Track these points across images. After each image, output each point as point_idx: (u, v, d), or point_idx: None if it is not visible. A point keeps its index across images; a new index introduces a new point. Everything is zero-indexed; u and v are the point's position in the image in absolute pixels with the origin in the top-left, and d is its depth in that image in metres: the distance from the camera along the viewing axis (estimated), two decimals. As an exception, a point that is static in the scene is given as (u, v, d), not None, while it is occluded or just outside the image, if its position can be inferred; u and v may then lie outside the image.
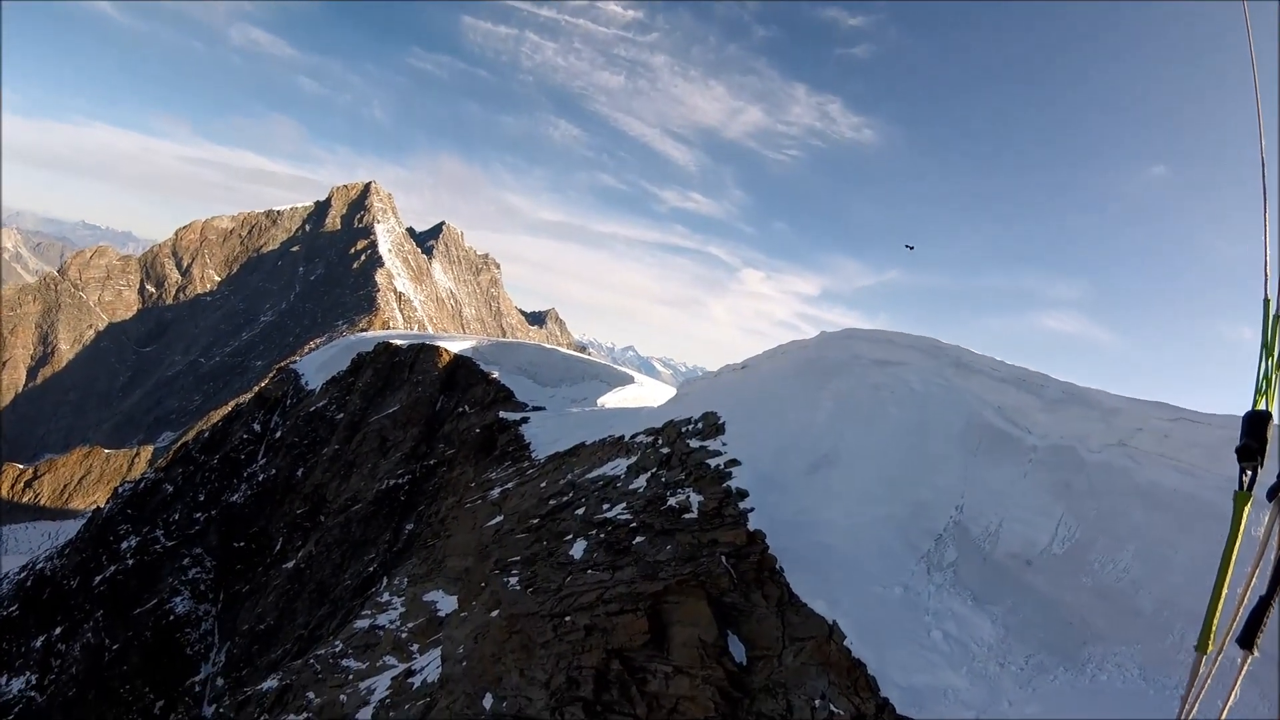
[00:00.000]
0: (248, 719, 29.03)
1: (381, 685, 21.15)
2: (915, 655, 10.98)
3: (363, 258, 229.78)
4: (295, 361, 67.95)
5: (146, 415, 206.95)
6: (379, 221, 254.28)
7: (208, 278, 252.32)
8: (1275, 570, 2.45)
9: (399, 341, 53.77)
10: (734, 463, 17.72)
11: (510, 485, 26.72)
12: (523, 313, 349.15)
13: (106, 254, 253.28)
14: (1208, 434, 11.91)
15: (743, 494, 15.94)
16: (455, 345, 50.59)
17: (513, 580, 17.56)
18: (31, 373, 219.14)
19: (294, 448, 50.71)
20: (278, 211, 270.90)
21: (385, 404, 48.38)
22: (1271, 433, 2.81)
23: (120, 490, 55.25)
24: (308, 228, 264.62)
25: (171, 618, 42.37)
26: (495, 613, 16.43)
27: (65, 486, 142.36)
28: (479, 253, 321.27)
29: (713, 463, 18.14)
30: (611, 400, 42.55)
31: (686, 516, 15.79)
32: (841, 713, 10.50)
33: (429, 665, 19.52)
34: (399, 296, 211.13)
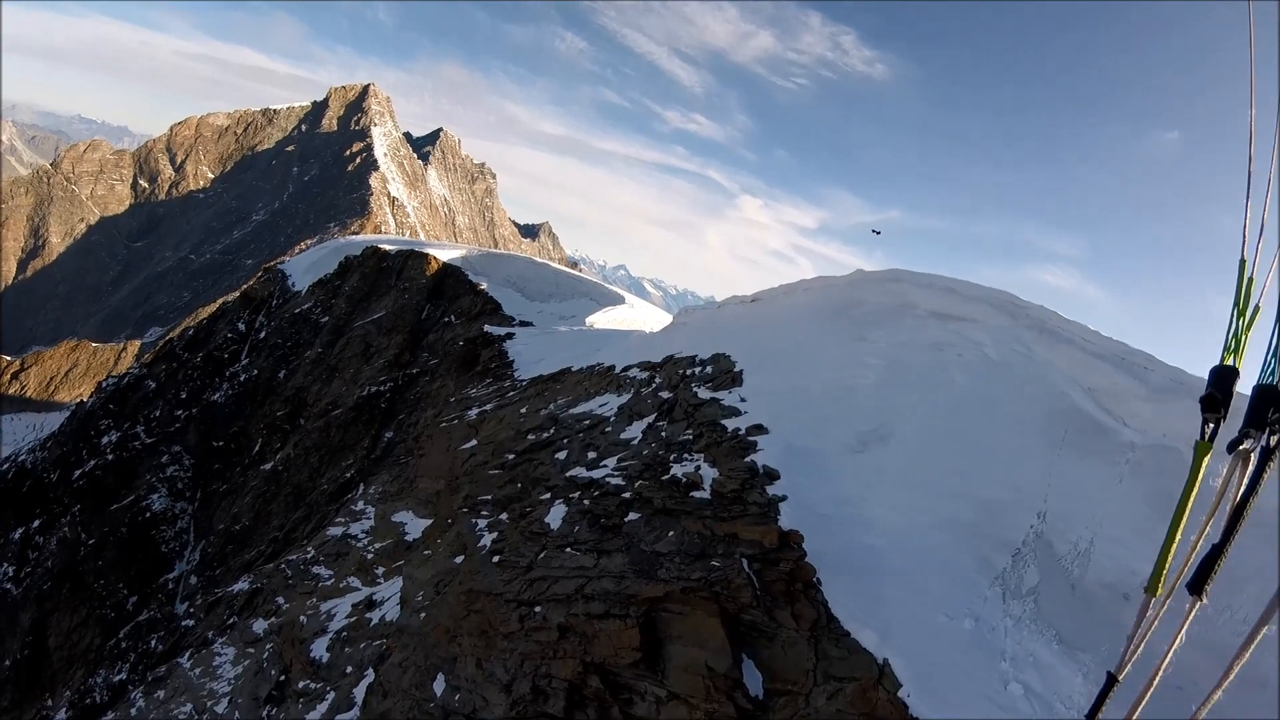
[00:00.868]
0: (217, 619, 29.12)
1: (342, 611, 20.83)
2: (989, 716, 8.26)
3: (358, 160, 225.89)
4: (283, 262, 66.81)
5: (135, 310, 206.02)
6: (376, 125, 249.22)
7: (201, 175, 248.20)
8: (1229, 520, 2.54)
9: (387, 246, 52.69)
10: (758, 429, 14.02)
11: (489, 407, 25.58)
12: (516, 224, 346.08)
13: (100, 148, 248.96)
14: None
15: (771, 475, 12.23)
16: (444, 253, 49.48)
17: (481, 526, 15.98)
18: (21, 265, 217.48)
19: (277, 349, 50.10)
20: (274, 110, 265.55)
21: (371, 309, 47.59)
22: (1235, 388, 2.85)
23: (103, 385, 54.87)
24: (304, 128, 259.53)
25: (148, 515, 42.33)
26: (459, 558, 15.20)
27: (52, 379, 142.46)
28: (475, 162, 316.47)
29: (729, 424, 14.50)
30: (601, 320, 41.80)
31: (697, 496, 12.27)
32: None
33: (389, 600, 19.11)
34: (393, 201, 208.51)
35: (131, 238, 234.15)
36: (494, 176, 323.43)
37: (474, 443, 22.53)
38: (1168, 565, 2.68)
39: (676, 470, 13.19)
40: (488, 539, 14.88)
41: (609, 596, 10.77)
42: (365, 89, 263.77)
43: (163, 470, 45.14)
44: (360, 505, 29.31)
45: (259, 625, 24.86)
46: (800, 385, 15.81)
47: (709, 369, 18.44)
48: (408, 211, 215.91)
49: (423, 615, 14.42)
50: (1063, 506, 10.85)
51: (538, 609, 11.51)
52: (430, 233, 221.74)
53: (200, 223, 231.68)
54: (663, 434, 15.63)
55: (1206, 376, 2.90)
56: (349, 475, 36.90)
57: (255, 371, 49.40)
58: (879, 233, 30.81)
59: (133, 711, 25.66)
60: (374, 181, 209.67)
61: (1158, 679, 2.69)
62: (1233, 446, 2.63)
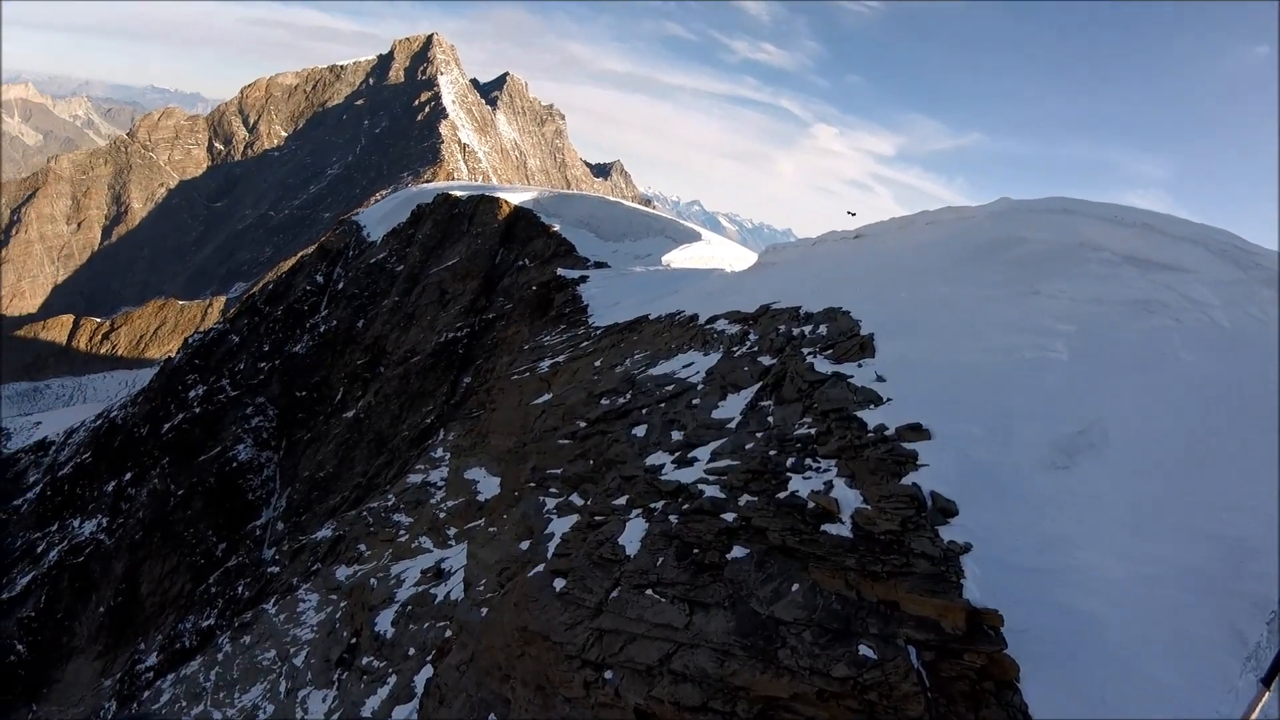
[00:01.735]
0: (302, 566, 29.33)
1: (410, 578, 20.52)
2: None
3: (426, 109, 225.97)
4: (358, 214, 66.98)
5: (219, 267, 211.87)
6: (442, 73, 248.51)
7: (274, 133, 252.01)
8: None
9: (458, 193, 52.13)
10: (915, 431, 9.20)
11: (561, 358, 24.38)
12: (588, 165, 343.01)
13: (174, 115, 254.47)
14: None
15: (946, 510, 7.85)
16: (515, 196, 48.63)
17: (549, 508, 13.87)
18: (106, 231, 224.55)
19: (355, 299, 50.29)
20: (341, 66, 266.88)
21: (444, 256, 47.19)
22: None
23: (189, 341, 55.97)
24: (371, 81, 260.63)
25: (234, 464, 43.13)
26: (524, 544, 13.45)
27: (141, 338, 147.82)
28: (543, 104, 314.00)
29: (869, 418, 9.80)
30: (678, 259, 40.36)
31: (831, 531, 7.98)
32: None
33: (455, 575, 18.60)
34: (463, 148, 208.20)
35: (211, 198, 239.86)
36: (563, 117, 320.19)
37: (546, 397, 21.07)
38: None
39: (798, 485, 8.96)
40: (552, 542, 11.93)
41: (707, 681, 7.28)
42: (429, 39, 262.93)
43: (248, 421, 45.89)
44: (439, 452, 29.02)
45: (341, 572, 24.87)
46: (961, 360, 11.07)
47: (823, 329, 13.96)
48: (479, 157, 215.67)
49: (484, 612, 12.06)
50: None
51: (608, 675, 8.14)
52: (503, 177, 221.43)
53: (276, 180, 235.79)
54: (770, 420, 11.57)
55: None
56: (429, 421, 36.81)
57: (334, 322, 49.74)
58: (854, 214, 27.17)
59: (219, 656, 26.04)
60: (444, 129, 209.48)
61: None
62: None
